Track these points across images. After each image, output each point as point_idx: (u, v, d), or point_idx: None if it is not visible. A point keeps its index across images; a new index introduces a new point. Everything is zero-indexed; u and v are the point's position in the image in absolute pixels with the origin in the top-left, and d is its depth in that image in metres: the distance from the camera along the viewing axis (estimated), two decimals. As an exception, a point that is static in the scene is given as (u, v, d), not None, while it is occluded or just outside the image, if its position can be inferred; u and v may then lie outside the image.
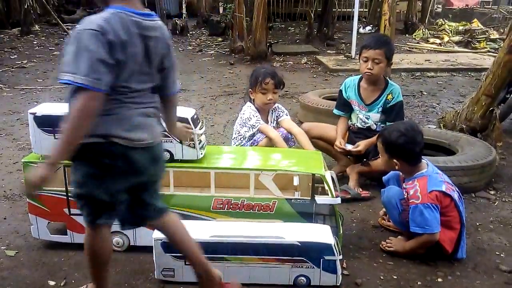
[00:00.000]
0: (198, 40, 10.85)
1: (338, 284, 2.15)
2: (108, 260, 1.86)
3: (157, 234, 2.14)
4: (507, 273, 2.31)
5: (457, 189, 2.44)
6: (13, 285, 2.19)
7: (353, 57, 8.25)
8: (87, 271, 2.24)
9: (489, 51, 9.08)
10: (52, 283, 2.20)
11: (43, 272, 2.29)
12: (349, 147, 3.19)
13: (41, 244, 2.51)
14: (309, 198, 2.31)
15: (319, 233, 2.14)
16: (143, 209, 1.82)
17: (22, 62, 8.04)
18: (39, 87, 6.35)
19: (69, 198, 2.40)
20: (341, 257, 2.14)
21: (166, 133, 2.21)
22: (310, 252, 2.10)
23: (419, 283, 2.22)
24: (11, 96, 5.91)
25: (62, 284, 2.20)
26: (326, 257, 2.10)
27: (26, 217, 2.60)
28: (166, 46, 1.77)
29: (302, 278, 2.14)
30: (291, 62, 8.22)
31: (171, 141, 2.29)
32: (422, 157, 2.48)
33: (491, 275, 2.30)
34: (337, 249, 2.11)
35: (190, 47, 9.88)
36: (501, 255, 2.47)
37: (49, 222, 2.46)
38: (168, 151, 2.31)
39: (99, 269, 1.87)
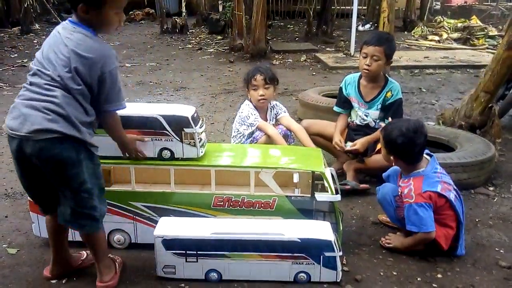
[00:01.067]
0: (197, 38, 10.84)
1: (338, 280, 2.17)
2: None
3: (158, 232, 2.16)
4: (506, 268, 2.32)
5: (456, 188, 2.44)
6: (14, 283, 2.21)
7: (352, 54, 8.25)
8: (88, 269, 2.28)
9: (487, 48, 9.08)
10: (53, 281, 2.21)
11: (44, 270, 2.30)
12: (347, 146, 3.19)
13: (43, 242, 2.52)
14: (309, 195, 2.33)
15: (319, 230, 2.15)
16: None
17: (22, 61, 8.03)
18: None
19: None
20: (341, 253, 2.15)
21: (167, 131, 2.23)
22: (311, 249, 2.11)
23: (418, 279, 2.24)
24: (12, 95, 5.91)
25: (63, 282, 2.21)
26: (326, 254, 2.11)
27: (27, 215, 2.61)
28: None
29: (303, 274, 2.15)
30: (291, 60, 8.22)
31: (171, 140, 2.29)
32: (428, 152, 2.49)
33: (490, 271, 2.31)
34: (337, 245, 2.12)
35: (189, 45, 9.87)
36: (501, 251, 2.49)
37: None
38: (168, 149, 2.31)
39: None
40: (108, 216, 2.39)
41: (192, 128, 2.26)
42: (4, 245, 2.53)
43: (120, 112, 2.07)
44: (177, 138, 2.28)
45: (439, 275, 2.26)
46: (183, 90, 6.20)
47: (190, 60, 8.38)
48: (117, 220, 2.42)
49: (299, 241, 2.09)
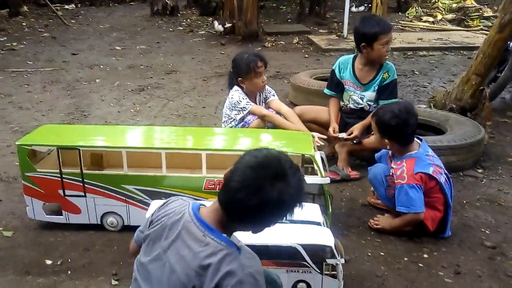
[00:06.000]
0: (188, 20, 10.72)
1: None
2: None
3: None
4: (491, 248, 2.39)
5: (446, 172, 2.48)
6: (10, 265, 2.25)
7: (345, 36, 8.22)
8: (82, 250, 2.32)
9: (482, 29, 9.07)
10: (49, 262, 2.26)
11: (40, 252, 2.35)
12: (343, 135, 3.18)
13: (37, 225, 2.56)
14: (299, 178, 2.36)
15: (320, 235, 1.99)
16: None
17: (12, 44, 7.93)
18: (29, 70, 6.30)
19: (63, 180, 2.44)
20: (343, 260, 1.96)
21: (305, 263, 1.95)
22: (310, 255, 1.94)
23: (405, 259, 2.30)
24: (2, 79, 5.87)
25: (58, 263, 2.26)
26: (328, 261, 1.94)
27: (21, 199, 2.63)
28: None
29: (302, 284, 1.99)
30: (283, 42, 8.18)
31: (310, 272, 1.97)
32: (417, 136, 2.53)
33: (475, 250, 2.38)
34: (339, 251, 1.97)
35: (180, 28, 9.78)
36: (486, 231, 2.55)
37: (44, 203, 2.50)
38: (305, 282, 1.99)
39: None
40: (101, 199, 2.45)
41: (336, 258, 1.95)
42: (-1, 228, 2.57)
43: (256, 240, 1.72)
44: (317, 270, 1.97)
45: (425, 255, 2.33)
46: (174, 73, 6.17)
47: (181, 42, 8.31)
48: (110, 203, 2.46)
49: (299, 247, 1.92)
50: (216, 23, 8.90)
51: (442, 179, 2.41)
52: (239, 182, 1.29)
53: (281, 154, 1.36)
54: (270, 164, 1.31)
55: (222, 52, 7.40)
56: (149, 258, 1.37)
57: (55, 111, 4.68)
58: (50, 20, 10.40)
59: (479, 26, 9.38)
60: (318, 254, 1.95)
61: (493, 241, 2.45)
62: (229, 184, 1.31)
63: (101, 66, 6.52)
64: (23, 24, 10.06)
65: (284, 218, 1.41)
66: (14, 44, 7.97)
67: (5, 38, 8.61)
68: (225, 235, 1.34)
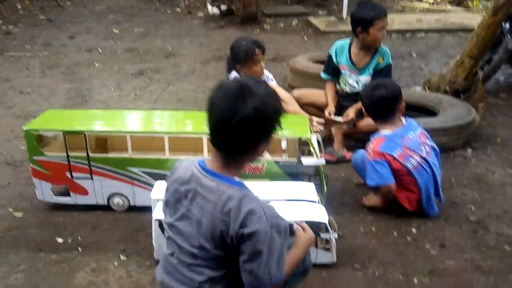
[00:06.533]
0: (186, 2, 10.69)
1: (335, 262, 2.18)
2: None
3: (157, 215, 2.10)
4: (475, 223, 2.53)
5: (423, 158, 2.50)
6: (23, 243, 2.39)
7: (344, 18, 8.21)
8: (91, 229, 2.46)
9: (481, 10, 9.05)
10: (60, 240, 2.40)
11: (51, 231, 2.48)
12: (339, 118, 3.27)
13: (46, 206, 2.69)
14: (296, 160, 2.48)
15: (314, 211, 2.16)
16: None
17: (8, 28, 7.90)
18: (27, 54, 6.33)
19: (70, 163, 2.56)
20: (337, 235, 2.16)
21: None
22: None
23: (395, 233, 2.45)
24: (0, 63, 5.92)
25: (69, 241, 2.40)
26: (322, 235, 2.13)
27: (29, 182, 2.76)
28: None
29: None
30: (282, 25, 8.20)
31: None
32: (408, 117, 2.64)
33: (460, 225, 2.52)
34: (333, 227, 2.14)
35: (178, 9, 9.73)
36: (472, 208, 2.69)
37: (52, 186, 2.62)
38: None
39: None
40: (107, 181, 2.57)
41: (329, 233, 2.15)
42: (10, 209, 2.69)
43: None
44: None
45: (413, 230, 2.47)
46: (173, 57, 6.22)
47: (179, 25, 8.29)
48: (116, 185, 2.59)
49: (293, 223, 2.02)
50: (209, 6, 8.83)
51: (412, 162, 2.47)
52: (216, 116, 1.37)
53: (242, 77, 1.45)
54: (233, 87, 1.39)
55: (221, 35, 7.44)
56: (175, 217, 1.49)
57: (56, 95, 4.77)
58: (45, 1, 10.33)
59: (479, 6, 9.37)
60: (313, 230, 2.07)
61: (477, 216, 2.59)
62: (210, 123, 1.40)
63: (100, 50, 6.55)
64: (18, 6, 9.97)
65: (275, 129, 1.44)
66: (10, 27, 7.92)
67: (0, 21, 8.60)
68: (235, 177, 1.45)
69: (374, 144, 2.52)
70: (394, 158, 2.47)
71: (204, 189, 1.43)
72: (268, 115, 1.39)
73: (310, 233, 1.64)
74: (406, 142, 2.51)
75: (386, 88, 2.56)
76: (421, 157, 2.52)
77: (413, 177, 2.49)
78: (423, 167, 2.52)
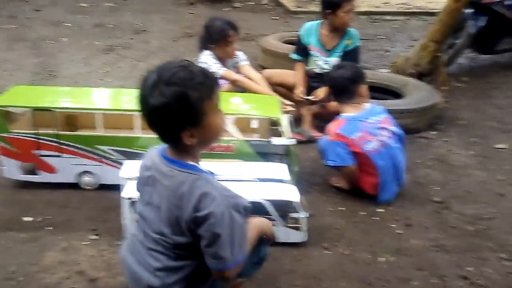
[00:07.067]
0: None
1: (305, 241, 2.24)
2: None
3: (126, 193, 2.10)
4: (438, 203, 2.65)
5: (383, 142, 2.54)
6: (-10, 223, 2.33)
7: (314, -2, 8.23)
8: (60, 208, 2.43)
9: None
10: (28, 219, 2.36)
11: (18, 209, 2.44)
12: (309, 98, 3.33)
13: (13, 184, 2.63)
14: (267, 139, 2.52)
15: (286, 191, 2.20)
16: None
17: None
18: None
19: (39, 141, 2.50)
20: (307, 214, 2.21)
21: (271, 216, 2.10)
22: (276, 210, 2.14)
23: (362, 213, 2.54)
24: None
25: (38, 220, 2.36)
26: (292, 215, 2.18)
27: (-4, 160, 2.68)
28: None
29: None
30: (252, 3, 8.14)
31: (274, 225, 2.09)
32: (372, 104, 2.70)
33: (425, 205, 2.64)
34: (303, 206, 2.19)
35: (148, -16, 9.48)
36: (435, 188, 2.81)
37: (20, 163, 2.57)
38: None
39: None
40: (76, 159, 2.54)
41: (299, 213, 2.19)
42: (-25, 188, 2.62)
43: None
44: (282, 223, 2.19)
45: (380, 210, 2.57)
46: (143, 33, 6.10)
47: (149, 0, 8.11)
48: (85, 163, 2.56)
49: (265, 202, 2.12)
50: None
51: (371, 146, 2.51)
52: (147, 108, 1.38)
53: (156, 66, 1.42)
54: (144, 79, 1.41)
55: (191, 12, 7.32)
56: (142, 203, 1.53)
57: (22, 70, 4.60)
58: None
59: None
60: (284, 209, 2.16)
61: (441, 196, 2.71)
62: (144, 114, 1.41)
63: (67, 24, 6.34)
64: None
65: (199, 112, 1.35)
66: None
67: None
68: (190, 162, 1.44)
69: (334, 125, 2.59)
70: (353, 141, 2.53)
71: (161, 175, 1.44)
72: (176, 99, 1.32)
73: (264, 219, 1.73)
74: (366, 126, 2.55)
75: (346, 69, 2.67)
76: (381, 141, 2.55)
77: (372, 161, 2.54)
78: (382, 151, 2.54)
